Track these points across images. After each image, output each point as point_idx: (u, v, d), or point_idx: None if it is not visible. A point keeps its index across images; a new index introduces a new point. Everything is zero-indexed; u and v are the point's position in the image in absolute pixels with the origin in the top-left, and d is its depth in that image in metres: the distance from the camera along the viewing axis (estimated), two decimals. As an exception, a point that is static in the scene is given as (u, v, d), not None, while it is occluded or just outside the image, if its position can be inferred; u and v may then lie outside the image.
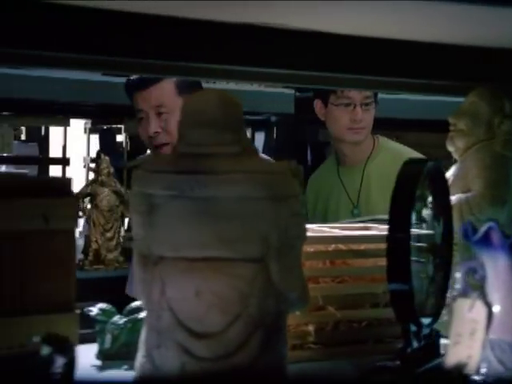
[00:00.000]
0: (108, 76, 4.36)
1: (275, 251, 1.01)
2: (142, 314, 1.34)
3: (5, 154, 4.22)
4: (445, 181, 1.29)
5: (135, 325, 1.32)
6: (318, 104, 2.33)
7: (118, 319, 1.32)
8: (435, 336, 1.19)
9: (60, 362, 0.70)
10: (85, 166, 7.11)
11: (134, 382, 1.02)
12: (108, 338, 1.30)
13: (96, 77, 4.34)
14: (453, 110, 1.59)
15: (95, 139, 5.77)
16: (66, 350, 0.73)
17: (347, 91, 2.27)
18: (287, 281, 1.02)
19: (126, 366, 1.26)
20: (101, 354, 1.31)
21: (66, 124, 4.58)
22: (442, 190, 1.27)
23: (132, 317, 1.32)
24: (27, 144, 5.04)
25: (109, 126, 4.77)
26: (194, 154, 1.02)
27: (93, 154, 6.54)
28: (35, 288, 1.00)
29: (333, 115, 2.30)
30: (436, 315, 1.22)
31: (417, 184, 1.06)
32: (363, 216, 2.14)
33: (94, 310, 1.30)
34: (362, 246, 1.40)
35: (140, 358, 1.05)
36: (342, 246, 1.39)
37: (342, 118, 2.28)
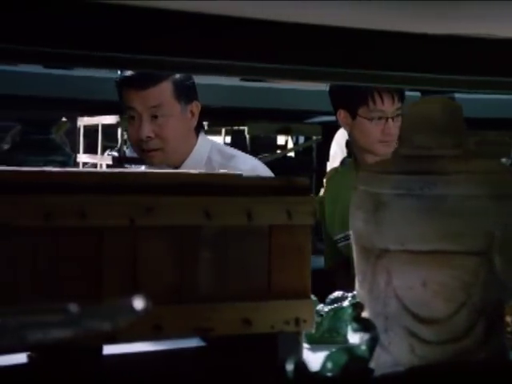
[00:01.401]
0: (234, 80, 4.54)
1: (498, 245, 1.10)
2: (345, 303, 1.46)
3: (128, 154, 4.50)
4: None
5: (337, 313, 1.44)
6: (341, 114, 2.23)
7: (322, 308, 1.45)
8: None
9: (365, 337, 0.82)
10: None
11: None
12: (313, 324, 1.42)
13: (220, 80, 4.53)
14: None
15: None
16: (371, 328, 0.85)
17: (380, 104, 2.18)
18: (509, 272, 1.11)
19: (333, 349, 1.37)
20: (306, 338, 1.43)
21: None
22: None
23: (336, 305, 1.44)
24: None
25: (236, 127, 4.96)
26: (420, 156, 1.13)
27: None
28: (280, 276, 1.13)
29: (363, 128, 2.20)
30: None
31: None
32: None
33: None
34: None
35: (367, 341, 1.17)
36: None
37: (374, 132, 2.19)
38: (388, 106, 2.19)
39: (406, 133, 1.16)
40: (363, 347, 0.80)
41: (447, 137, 1.12)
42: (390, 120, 2.19)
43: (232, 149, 2.27)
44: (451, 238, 1.11)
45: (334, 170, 2.55)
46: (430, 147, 1.12)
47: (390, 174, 1.14)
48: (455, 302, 1.11)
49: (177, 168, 2.05)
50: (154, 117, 1.98)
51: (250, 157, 2.24)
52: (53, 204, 0.94)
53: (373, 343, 0.81)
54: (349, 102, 2.21)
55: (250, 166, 2.05)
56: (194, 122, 2.06)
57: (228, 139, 5.82)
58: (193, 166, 2.01)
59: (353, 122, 2.23)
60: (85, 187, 0.99)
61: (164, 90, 1.99)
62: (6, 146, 4.12)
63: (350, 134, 2.30)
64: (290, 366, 0.73)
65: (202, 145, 2.08)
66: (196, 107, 2.05)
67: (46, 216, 0.92)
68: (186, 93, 2.02)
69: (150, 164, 2.04)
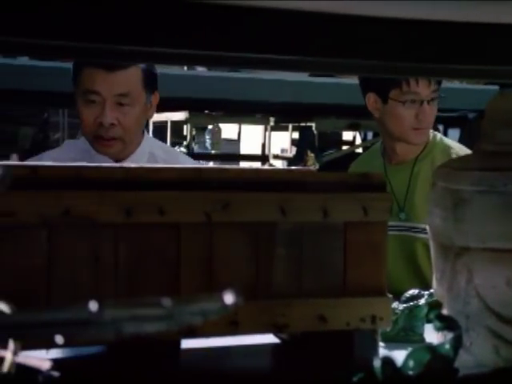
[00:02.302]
0: (304, 76, 4.52)
1: None
2: (422, 301, 1.43)
3: (213, 152, 4.56)
4: None
5: (412, 311, 1.41)
6: (370, 98, 2.03)
7: (397, 306, 1.42)
8: None
9: (449, 336, 0.81)
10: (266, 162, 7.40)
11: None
12: (388, 322, 1.40)
13: (288, 76, 4.53)
14: None
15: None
16: (455, 327, 0.83)
17: (414, 86, 1.98)
18: None
19: (409, 348, 1.34)
20: (381, 336, 1.41)
21: (266, 123, 4.84)
22: None
23: (411, 303, 1.41)
24: (230, 141, 5.36)
25: (304, 124, 4.96)
26: (503, 152, 1.10)
27: (273, 151, 6.79)
28: (355, 273, 1.11)
29: (395, 113, 2.01)
30: None
31: None
32: (410, 220, 2.03)
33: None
34: None
35: (446, 341, 1.14)
36: None
37: (407, 117, 1.99)
38: (423, 88, 1.99)
39: (487, 128, 1.13)
40: (447, 346, 0.78)
41: (532, 131, 1.09)
42: (425, 103, 1.99)
43: (171, 147, 2.19)
44: (535, 236, 1.07)
45: (362, 157, 2.36)
46: (512, 142, 1.09)
47: (471, 171, 1.11)
48: (541, 303, 1.07)
49: (120, 162, 1.88)
50: (120, 104, 1.83)
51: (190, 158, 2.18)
52: (133, 200, 0.95)
53: (457, 342, 0.78)
54: (380, 83, 2.02)
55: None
56: (153, 114, 1.95)
57: (295, 135, 5.79)
58: (136, 160, 1.87)
59: (384, 107, 2.04)
60: (163, 183, 1.00)
61: (133, 77, 1.84)
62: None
63: (379, 121, 2.09)
64: (377, 363, 0.72)
65: (147, 140, 1.98)
66: (155, 98, 1.92)
67: (127, 212, 0.93)
68: (152, 82, 1.90)
69: (103, 154, 1.87)
